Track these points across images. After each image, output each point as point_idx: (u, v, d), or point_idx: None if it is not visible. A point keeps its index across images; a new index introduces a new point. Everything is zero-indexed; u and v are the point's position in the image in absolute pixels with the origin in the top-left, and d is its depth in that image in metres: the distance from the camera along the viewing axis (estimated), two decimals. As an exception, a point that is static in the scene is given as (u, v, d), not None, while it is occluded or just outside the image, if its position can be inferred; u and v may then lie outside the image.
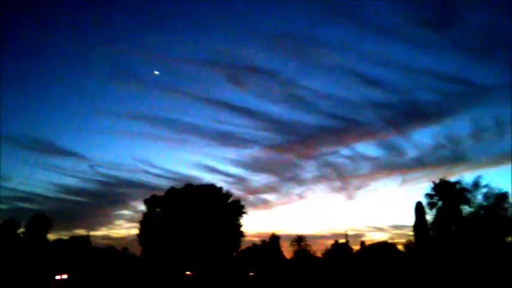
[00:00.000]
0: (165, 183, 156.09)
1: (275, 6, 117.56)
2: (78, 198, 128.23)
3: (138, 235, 76.35)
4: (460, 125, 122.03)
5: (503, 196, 54.24)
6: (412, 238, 67.25)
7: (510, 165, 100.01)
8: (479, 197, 56.27)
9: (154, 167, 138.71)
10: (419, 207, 62.05)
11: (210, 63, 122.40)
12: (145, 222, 75.78)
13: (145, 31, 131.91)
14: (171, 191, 76.31)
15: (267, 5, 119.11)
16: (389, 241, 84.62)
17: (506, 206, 54.07)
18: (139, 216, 78.14)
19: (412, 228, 64.42)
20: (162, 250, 72.44)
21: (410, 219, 64.05)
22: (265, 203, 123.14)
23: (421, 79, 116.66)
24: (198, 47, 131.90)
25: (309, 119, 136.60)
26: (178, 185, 79.28)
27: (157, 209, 76.09)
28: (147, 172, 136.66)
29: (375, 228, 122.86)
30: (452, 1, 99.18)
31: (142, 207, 78.31)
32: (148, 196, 77.36)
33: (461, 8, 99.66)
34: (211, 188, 76.44)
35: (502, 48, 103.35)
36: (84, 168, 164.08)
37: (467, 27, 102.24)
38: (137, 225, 77.63)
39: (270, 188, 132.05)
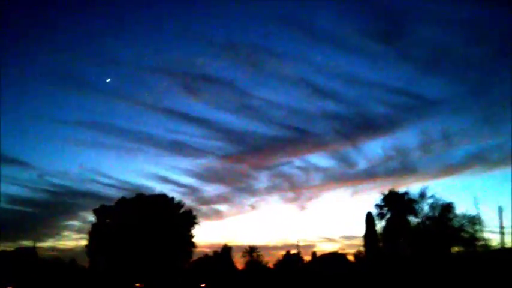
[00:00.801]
0: (116, 193, 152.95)
1: (229, 15, 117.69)
2: (24, 208, 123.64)
3: (86, 246, 74.76)
4: (409, 137, 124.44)
5: (448, 207, 55.59)
6: (362, 248, 68.24)
7: (456, 176, 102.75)
8: (425, 208, 57.56)
9: (105, 176, 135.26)
10: (369, 217, 62.97)
11: (164, 72, 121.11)
12: (95, 233, 74.29)
13: (97, 37, 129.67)
14: (122, 201, 75.19)
15: (221, 14, 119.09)
16: (340, 251, 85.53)
17: (451, 216, 55.44)
18: (89, 227, 76.64)
19: (362, 239, 65.38)
20: (111, 261, 71.14)
21: (360, 230, 64.99)
22: (218, 214, 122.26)
23: (372, 91, 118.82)
24: (151, 54, 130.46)
25: (263, 129, 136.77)
26: (129, 195, 78.17)
27: (107, 220, 74.76)
28: (97, 182, 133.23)
29: (326, 238, 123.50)
30: (402, 15, 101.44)
31: (91, 217, 76.82)
32: (97, 206, 75.99)
33: (410, 22, 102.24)
34: (163, 198, 75.71)
35: (450, 63, 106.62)
36: (31, 177, 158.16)
37: (416, 41, 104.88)
38: (86, 236, 76.10)
39: (223, 199, 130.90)
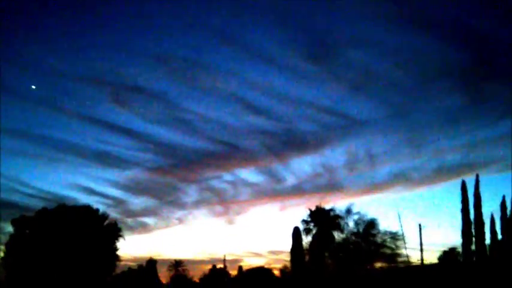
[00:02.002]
0: (37, 204, 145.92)
1: (162, 27, 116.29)
2: None
3: (2, 258, 71.13)
4: (336, 155, 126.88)
5: (372, 223, 57.26)
6: (287, 263, 68.78)
7: (379, 194, 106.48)
8: (351, 224, 58.98)
9: (26, 186, 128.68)
10: (296, 232, 63.51)
11: (92, 81, 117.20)
12: (13, 244, 70.80)
13: (22, 43, 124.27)
14: (43, 211, 72.00)
15: (153, 25, 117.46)
16: (266, 266, 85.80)
17: (374, 232, 57.06)
18: (6, 238, 72.98)
19: (288, 254, 65.87)
20: (29, 274, 67.97)
21: (287, 245, 65.47)
22: (144, 227, 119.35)
23: (302, 109, 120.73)
24: (80, 63, 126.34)
25: (192, 142, 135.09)
26: (51, 205, 74.99)
27: (27, 231, 71.48)
28: (16, 191, 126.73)
29: (253, 253, 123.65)
30: (333, 37, 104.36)
31: (9, 228, 73.17)
32: (17, 217, 72.53)
33: (340, 44, 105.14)
34: (87, 210, 73.17)
35: (376, 85, 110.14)
36: None
37: (345, 63, 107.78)
38: (3, 248, 72.45)
39: (150, 212, 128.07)
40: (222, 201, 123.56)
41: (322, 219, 60.83)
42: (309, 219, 61.82)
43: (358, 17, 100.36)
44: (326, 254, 60.31)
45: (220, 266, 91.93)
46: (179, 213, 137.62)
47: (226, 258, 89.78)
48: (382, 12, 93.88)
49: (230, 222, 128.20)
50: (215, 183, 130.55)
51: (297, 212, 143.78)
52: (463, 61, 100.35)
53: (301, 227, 62.13)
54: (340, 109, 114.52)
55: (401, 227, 56.49)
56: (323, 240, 59.54)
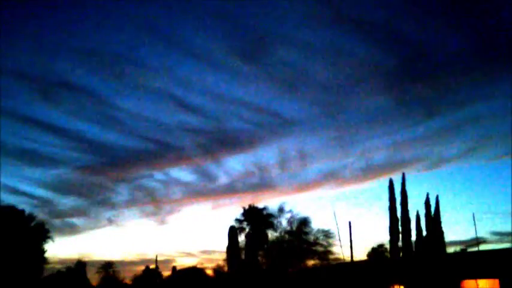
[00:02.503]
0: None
1: (90, 21, 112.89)
2: None
3: None
4: (268, 154, 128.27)
5: (304, 221, 58.30)
6: (221, 262, 68.91)
7: (311, 192, 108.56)
8: (284, 222, 59.80)
9: None
10: (232, 231, 63.76)
11: (18, 76, 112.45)
12: None
13: None
14: (-38, 212, 68.49)
15: (81, 20, 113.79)
16: (199, 266, 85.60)
17: (307, 230, 58.11)
18: None
19: (220, 253, 66.06)
20: None
21: (219, 244, 65.71)
22: (73, 228, 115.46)
23: (235, 108, 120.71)
24: (4, 56, 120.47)
25: (124, 140, 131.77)
26: (-29, 206, 71.36)
27: None
28: None
29: (186, 253, 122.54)
30: (265, 37, 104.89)
31: None
32: None
33: (273, 44, 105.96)
34: (11, 210, 70.16)
35: (307, 85, 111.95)
36: None
37: (278, 62, 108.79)
38: None
39: (79, 212, 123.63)
40: (154, 201, 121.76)
41: (255, 218, 61.43)
42: (242, 218, 62.43)
43: (290, 17, 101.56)
44: (260, 253, 60.87)
45: (152, 266, 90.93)
46: (109, 214, 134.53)
47: (159, 258, 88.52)
48: (315, 13, 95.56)
49: (162, 222, 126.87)
50: (146, 182, 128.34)
51: (230, 211, 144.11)
52: (390, 63, 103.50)
53: (235, 226, 62.57)
54: (272, 108, 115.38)
55: (336, 225, 57.84)
56: (256, 239, 60.09)
